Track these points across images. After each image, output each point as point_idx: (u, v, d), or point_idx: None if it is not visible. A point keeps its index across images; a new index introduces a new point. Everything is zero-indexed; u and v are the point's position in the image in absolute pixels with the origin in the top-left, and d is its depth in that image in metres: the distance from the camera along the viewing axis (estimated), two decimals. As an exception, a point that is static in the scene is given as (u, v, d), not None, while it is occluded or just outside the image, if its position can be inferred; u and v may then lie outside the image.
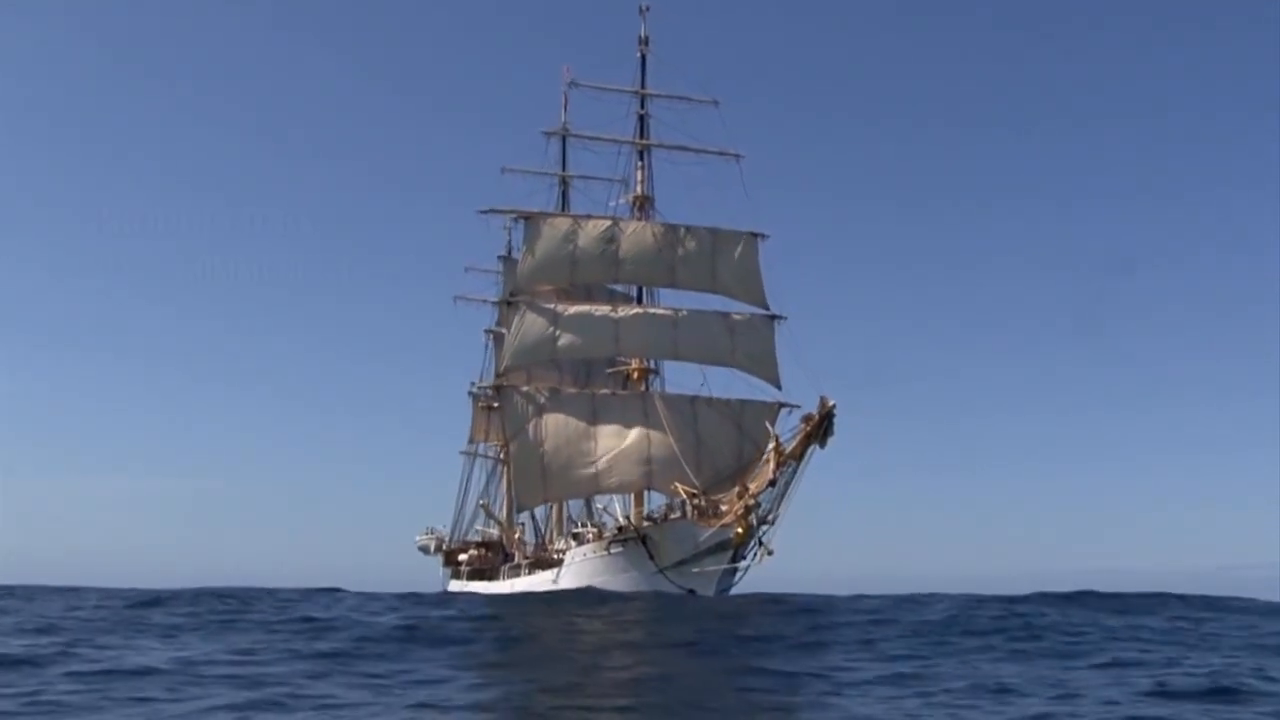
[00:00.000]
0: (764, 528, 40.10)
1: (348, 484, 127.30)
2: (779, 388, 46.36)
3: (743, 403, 46.11)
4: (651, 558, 40.12)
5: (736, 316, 47.03)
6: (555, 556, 47.67)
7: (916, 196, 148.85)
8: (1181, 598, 28.70)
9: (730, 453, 44.20)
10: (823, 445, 37.16)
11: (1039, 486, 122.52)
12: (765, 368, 46.57)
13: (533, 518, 57.42)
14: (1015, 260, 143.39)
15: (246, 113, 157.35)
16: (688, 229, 47.18)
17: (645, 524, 41.88)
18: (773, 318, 47.30)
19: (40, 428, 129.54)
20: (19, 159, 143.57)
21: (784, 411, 45.73)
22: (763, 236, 47.71)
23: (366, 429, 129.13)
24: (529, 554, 52.78)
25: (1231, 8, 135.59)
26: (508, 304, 46.62)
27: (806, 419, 37.37)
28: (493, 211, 49.20)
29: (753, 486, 37.91)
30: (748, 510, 37.74)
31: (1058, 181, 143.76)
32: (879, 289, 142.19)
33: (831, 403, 36.85)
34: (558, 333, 45.44)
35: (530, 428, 45.23)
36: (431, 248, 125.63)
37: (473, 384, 54.66)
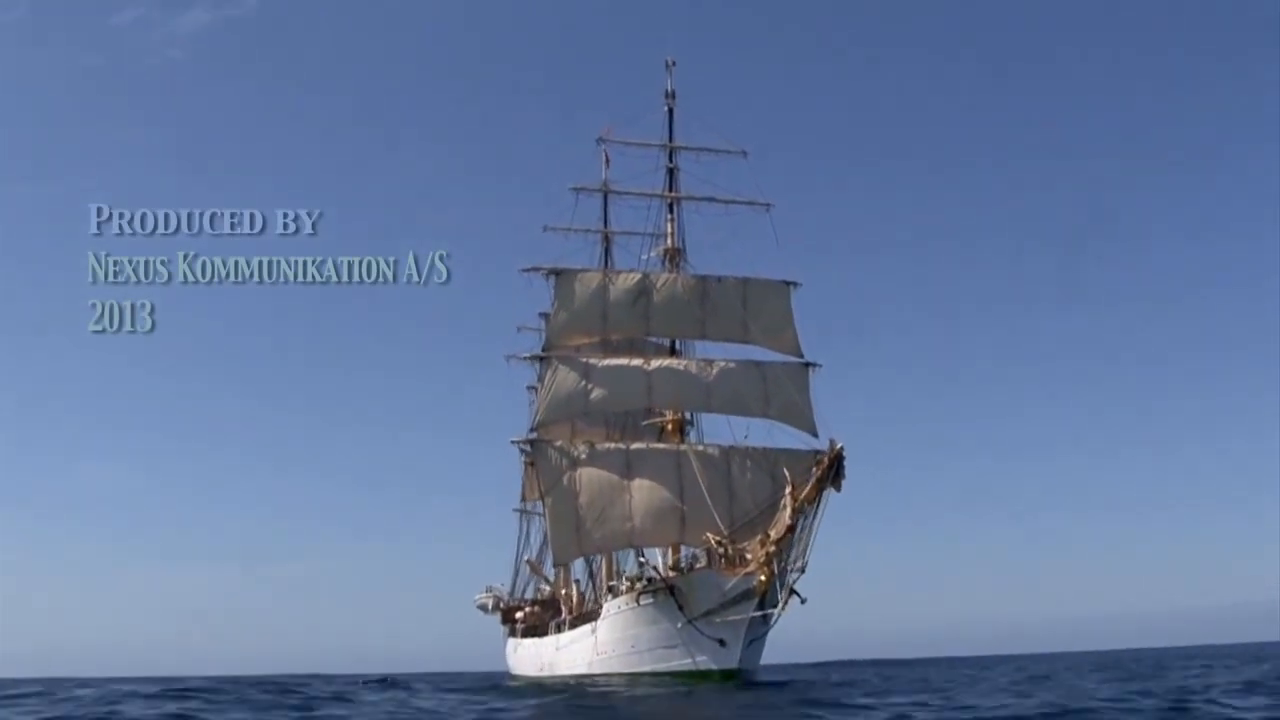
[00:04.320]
0: (793, 575, 39.81)
1: (411, 550, 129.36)
2: (816, 436, 45.83)
3: (778, 452, 45.68)
4: (681, 608, 39.97)
5: (770, 366, 46.97)
6: (598, 610, 47.64)
7: (952, 240, 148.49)
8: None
9: (762, 503, 43.65)
10: (837, 488, 36.86)
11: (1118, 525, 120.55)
12: (800, 417, 46.23)
13: (590, 572, 57.48)
14: (1050, 297, 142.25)
15: (284, 194, 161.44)
16: (719, 280, 47.38)
17: (672, 574, 41.76)
18: (807, 366, 47.16)
19: (84, 521, 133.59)
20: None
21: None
22: (795, 285, 47.81)
23: (426, 494, 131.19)
24: (576, 609, 52.90)
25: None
26: (540, 359, 47.07)
27: (818, 463, 37.17)
28: (534, 270, 49.66)
29: (773, 533, 37.58)
30: (769, 558, 37.37)
31: (1093, 218, 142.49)
32: (914, 334, 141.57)
33: (839, 445, 36.65)
34: (590, 386, 45.80)
35: (565, 481, 45.51)
36: (484, 310, 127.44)
37: (514, 441, 54.67)
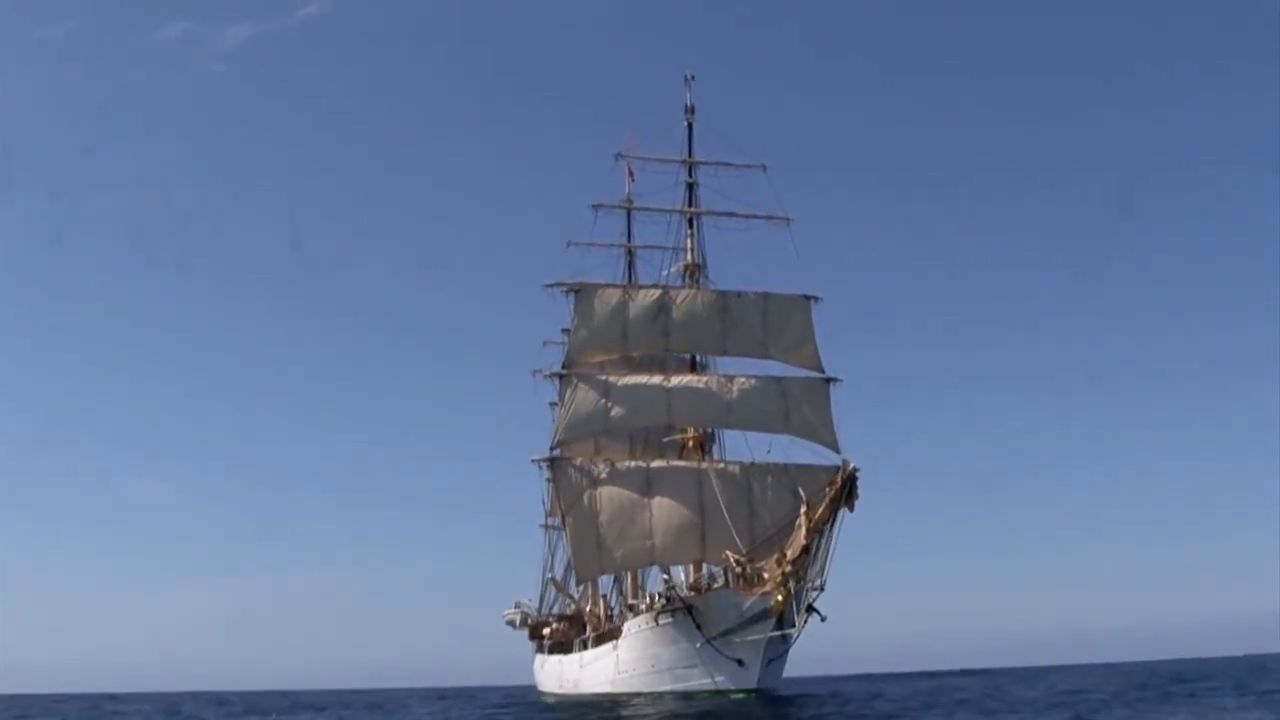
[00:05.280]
0: (813, 593, 39.42)
1: (444, 565, 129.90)
2: (837, 451, 45.34)
3: (799, 468, 45.23)
4: (699, 628, 39.62)
5: (790, 382, 46.50)
6: (620, 628, 47.35)
7: (973, 253, 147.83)
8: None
9: (783, 519, 43.21)
10: (850, 508, 36.42)
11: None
12: (821, 432, 45.74)
13: (619, 589, 57.14)
14: (1070, 311, 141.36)
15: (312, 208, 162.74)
16: (739, 295, 47.02)
17: (689, 594, 41.41)
18: (828, 381, 46.67)
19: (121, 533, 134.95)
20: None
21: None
22: (815, 299, 47.28)
23: (457, 509, 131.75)
24: (600, 626, 52.62)
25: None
26: (560, 376, 46.79)
27: (830, 484, 36.74)
28: (556, 285, 49.26)
29: (789, 553, 37.16)
30: (785, 578, 36.94)
31: (1111, 232, 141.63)
32: (936, 347, 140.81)
33: (851, 466, 36.27)
34: (609, 404, 45.55)
35: (585, 500, 45.25)
36: (513, 326, 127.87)
37: (534, 460, 54.42)
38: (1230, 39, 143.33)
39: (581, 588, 56.57)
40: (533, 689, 61.40)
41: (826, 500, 36.26)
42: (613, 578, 55.39)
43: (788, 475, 45.00)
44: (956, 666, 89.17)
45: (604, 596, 57.47)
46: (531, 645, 63.62)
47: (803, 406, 45.79)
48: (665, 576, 48.33)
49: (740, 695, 38.40)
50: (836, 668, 73.80)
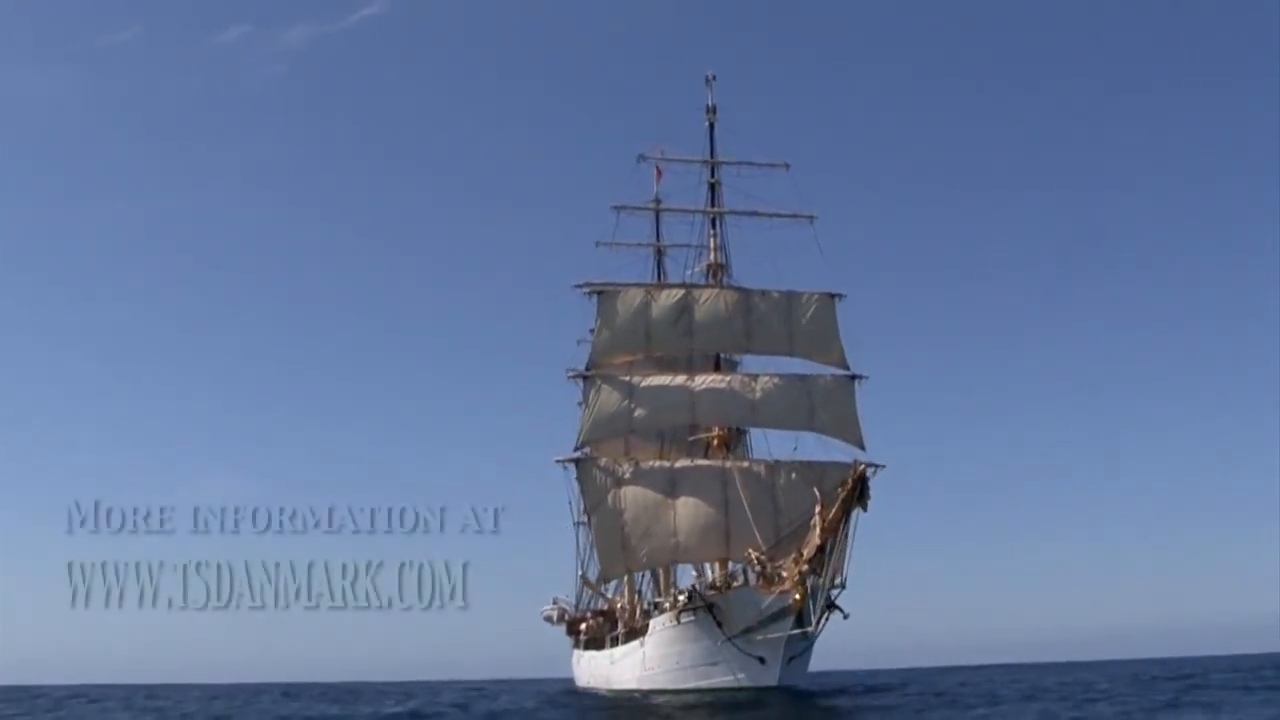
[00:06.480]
0: (834, 591, 39.65)
1: (486, 562, 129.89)
2: (863, 448, 45.54)
3: (824, 465, 45.35)
4: (720, 626, 39.99)
5: (815, 380, 46.70)
6: (647, 625, 47.82)
7: (995, 251, 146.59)
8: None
9: (804, 517, 43.27)
10: (864, 508, 36.61)
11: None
12: (847, 430, 46.00)
13: (655, 584, 57.52)
14: (1089, 317, 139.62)
15: (366, 231, 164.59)
16: (762, 293, 47.29)
17: (710, 592, 41.78)
18: (853, 378, 46.82)
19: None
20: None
21: (869, 472, 44.70)
22: (840, 296, 47.40)
23: (504, 506, 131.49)
24: (630, 622, 53.09)
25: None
26: (584, 378, 47.29)
27: (842, 484, 36.93)
28: (584, 286, 49.59)
29: (805, 552, 37.41)
30: (802, 576, 37.19)
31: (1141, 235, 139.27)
32: (961, 346, 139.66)
33: (863, 467, 36.45)
34: (633, 405, 45.98)
35: (609, 500, 45.71)
36: (546, 326, 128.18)
37: (558, 460, 54.48)
38: (1233, 44, 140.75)
39: (612, 584, 57.09)
40: (572, 683, 62.14)
41: (839, 501, 36.45)
42: (648, 574, 55.87)
43: (812, 472, 45.16)
44: (993, 661, 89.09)
45: (638, 592, 57.97)
46: (570, 640, 64.29)
47: (828, 404, 46.05)
48: (695, 572, 48.89)
49: (760, 694, 38.74)
50: (876, 662, 74.10)
